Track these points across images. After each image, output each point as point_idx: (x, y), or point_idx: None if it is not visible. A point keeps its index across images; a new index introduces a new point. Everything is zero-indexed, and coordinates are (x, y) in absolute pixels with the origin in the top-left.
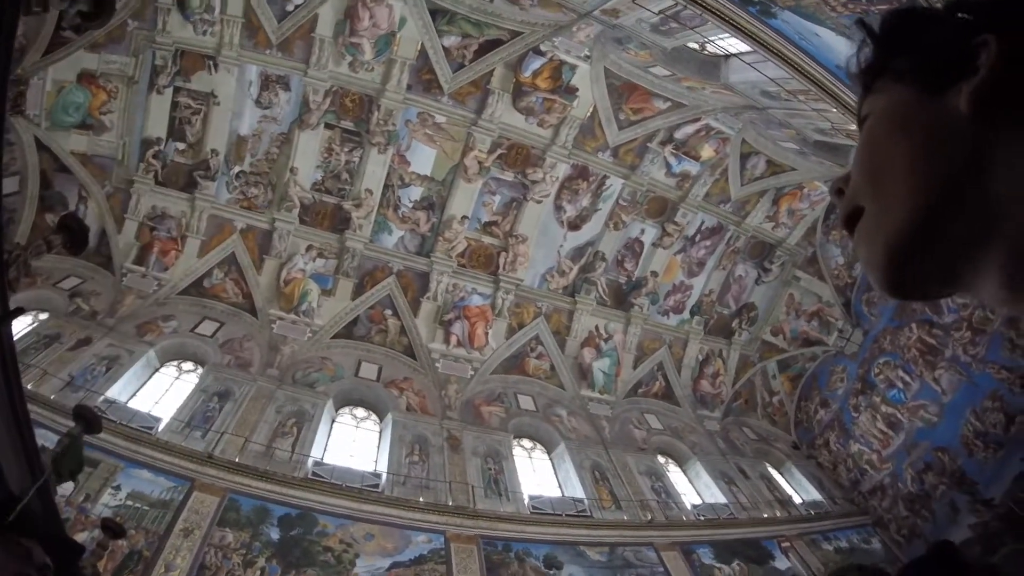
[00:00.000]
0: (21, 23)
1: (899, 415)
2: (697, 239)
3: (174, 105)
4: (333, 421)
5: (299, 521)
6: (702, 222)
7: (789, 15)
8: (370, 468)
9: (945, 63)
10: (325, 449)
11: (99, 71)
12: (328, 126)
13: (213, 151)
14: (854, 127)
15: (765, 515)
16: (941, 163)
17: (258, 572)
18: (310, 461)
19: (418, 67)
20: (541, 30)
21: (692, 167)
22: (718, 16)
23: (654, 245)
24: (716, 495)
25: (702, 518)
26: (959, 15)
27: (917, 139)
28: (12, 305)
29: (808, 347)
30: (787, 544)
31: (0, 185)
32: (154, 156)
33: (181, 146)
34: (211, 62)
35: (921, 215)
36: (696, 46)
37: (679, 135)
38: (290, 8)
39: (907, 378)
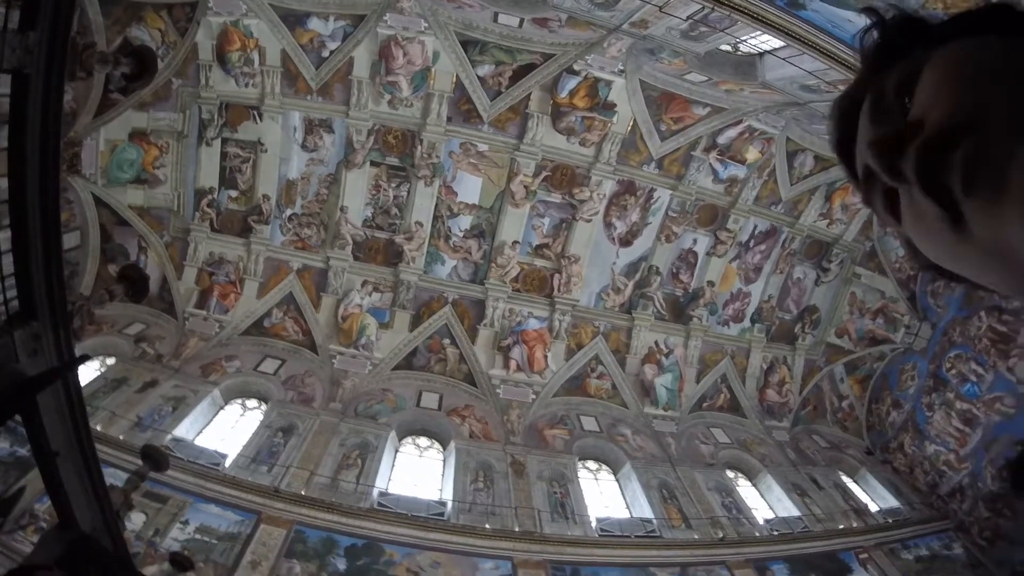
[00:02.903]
0: (69, 88)
1: (975, 410)
2: (751, 244)
3: (223, 155)
4: (397, 451)
5: (365, 551)
6: (755, 227)
7: (819, 4)
8: (435, 496)
9: None
10: (390, 479)
11: (149, 128)
12: (374, 163)
13: (265, 196)
14: None
15: (841, 526)
16: None
17: None
18: (375, 491)
19: (456, 99)
20: (572, 50)
21: (739, 171)
22: (747, 14)
23: (708, 254)
24: (789, 508)
25: (776, 533)
26: None
27: None
28: (78, 352)
29: (875, 346)
30: (865, 555)
31: (61, 240)
32: (208, 205)
33: (234, 193)
34: (255, 112)
35: None
36: (729, 48)
37: (722, 140)
38: (325, 54)
39: (980, 370)
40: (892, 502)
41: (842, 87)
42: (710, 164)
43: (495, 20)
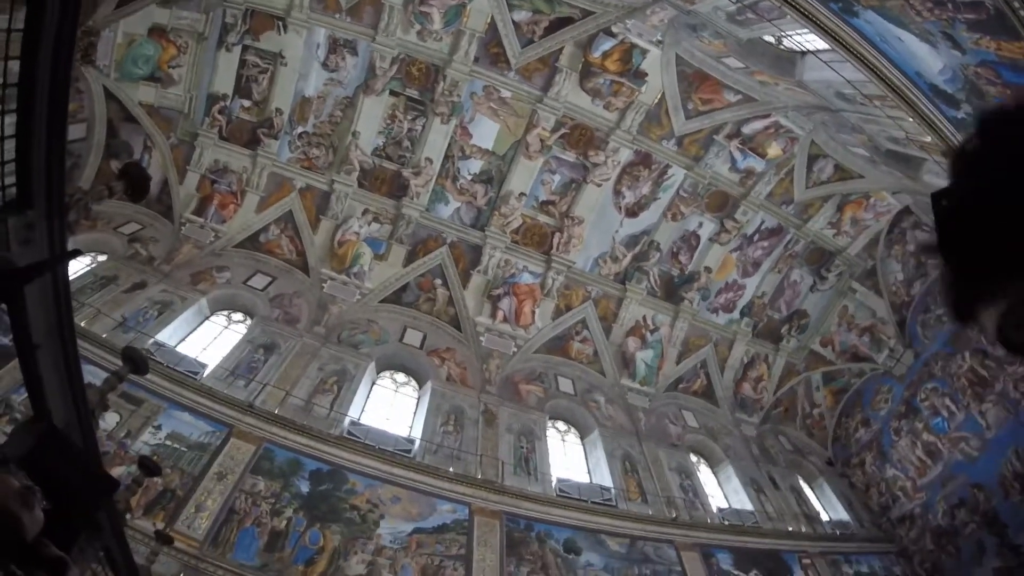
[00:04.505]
0: None
1: (939, 445)
2: (755, 238)
3: (242, 63)
4: (373, 383)
5: (330, 477)
6: (762, 222)
7: (872, 15)
8: (404, 433)
9: None
10: (363, 410)
11: (170, 26)
12: (393, 93)
13: (278, 110)
14: (928, 139)
15: (790, 528)
16: None
17: (284, 522)
18: (347, 420)
19: (487, 40)
20: (614, 11)
21: (757, 164)
22: (798, 10)
23: (711, 240)
24: (743, 501)
25: (726, 523)
26: None
27: None
28: (71, 246)
29: (856, 363)
30: (808, 561)
31: (66, 130)
32: (220, 112)
33: (246, 103)
34: (280, 23)
35: None
36: (772, 40)
37: (747, 130)
38: None
39: (953, 407)
40: (843, 515)
41: (877, 103)
42: (730, 152)
43: None
